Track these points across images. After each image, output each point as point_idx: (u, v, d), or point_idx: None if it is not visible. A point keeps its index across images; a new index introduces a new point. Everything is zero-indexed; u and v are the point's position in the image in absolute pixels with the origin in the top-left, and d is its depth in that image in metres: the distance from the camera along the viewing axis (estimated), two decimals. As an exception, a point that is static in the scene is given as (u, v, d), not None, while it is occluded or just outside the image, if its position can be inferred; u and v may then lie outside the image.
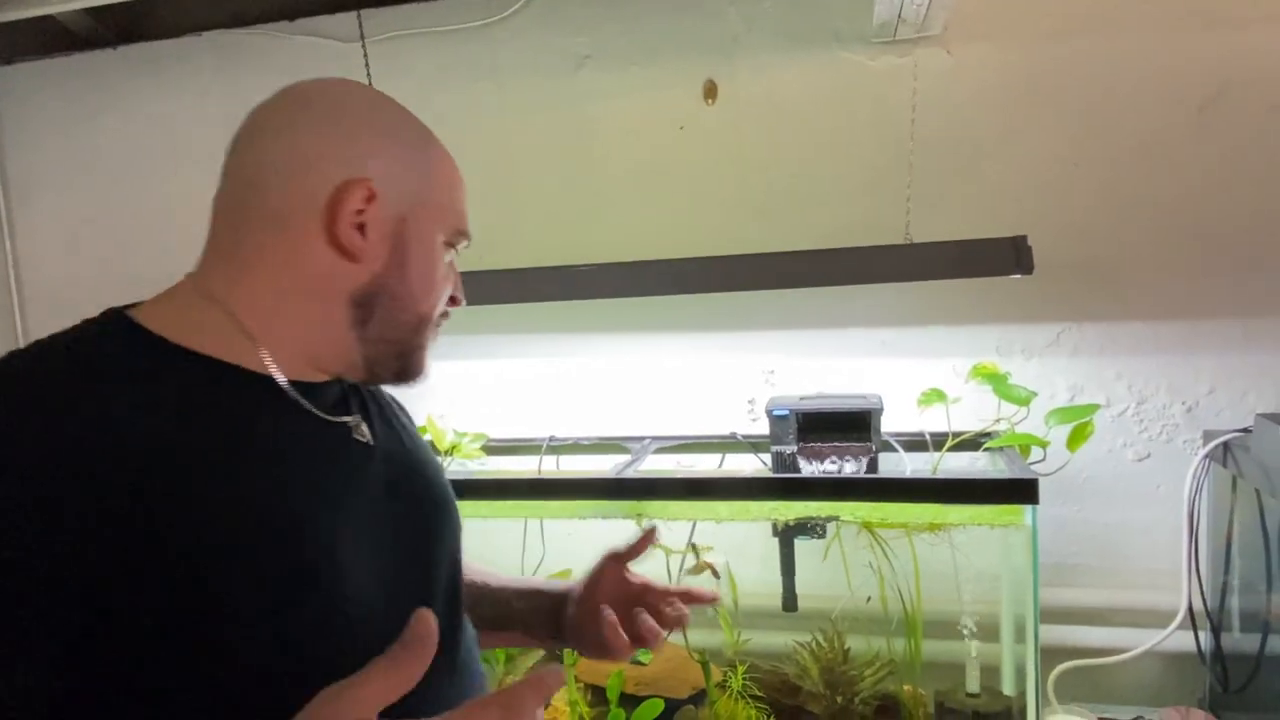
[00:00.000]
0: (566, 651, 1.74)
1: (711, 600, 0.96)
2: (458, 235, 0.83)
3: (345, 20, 1.95)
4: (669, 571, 1.75)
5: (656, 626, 0.90)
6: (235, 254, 0.74)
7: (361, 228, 0.74)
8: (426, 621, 0.57)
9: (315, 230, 0.73)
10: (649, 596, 0.96)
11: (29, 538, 0.57)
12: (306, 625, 0.67)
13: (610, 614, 0.89)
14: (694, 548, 1.73)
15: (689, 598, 0.96)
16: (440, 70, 1.98)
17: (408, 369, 0.82)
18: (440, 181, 0.81)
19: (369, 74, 1.85)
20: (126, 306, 0.74)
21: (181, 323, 0.71)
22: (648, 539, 0.98)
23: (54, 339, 0.69)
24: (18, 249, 2.31)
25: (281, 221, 0.73)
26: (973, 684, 1.66)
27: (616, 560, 0.98)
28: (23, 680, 0.58)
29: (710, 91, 1.86)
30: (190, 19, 2.09)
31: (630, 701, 1.64)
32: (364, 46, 1.87)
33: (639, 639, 0.90)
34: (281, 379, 0.74)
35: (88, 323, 0.72)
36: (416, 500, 0.83)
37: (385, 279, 0.77)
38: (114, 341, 0.69)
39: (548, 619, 1.01)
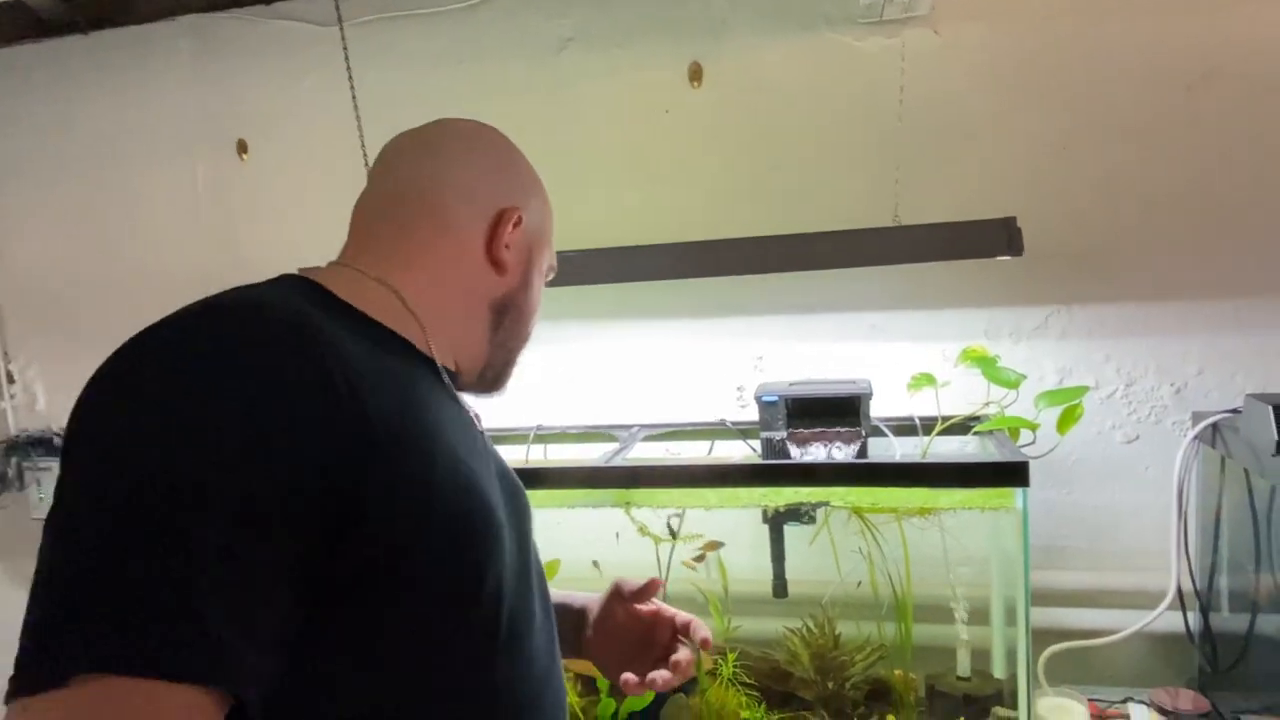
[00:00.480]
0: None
1: (704, 646, 1.03)
2: (551, 269, 0.99)
3: (323, 3, 1.91)
4: (658, 560, 1.75)
5: (669, 677, 0.98)
6: (400, 246, 0.85)
7: (508, 247, 0.88)
8: None
9: (477, 242, 0.87)
10: (659, 627, 1.05)
11: (303, 455, 0.62)
12: (493, 584, 0.76)
13: (630, 678, 0.99)
14: (671, 532, 1.72)
15: (689, 631, 1.03)
16: (420, 54, 1.95)
17: (503, 378, 0.96)
18: (549, 222, 0.98)
19: (347, 58, 1.81)
20: (296, 275, 0.81)
21: (361, 296, 0.79)
22: (653, 587, 1.05)
23: (255, 290, 0.74)
24: (-9, 238, 2.27)
25: (450, 227, 0.86)
26: (963, 668, 1.66)
27: (623, 600, 1.05)
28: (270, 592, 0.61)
29: (695, 74, 1.84)
30: (164, 3, 2.05)
31: (620, 690, 1.63)
32: (342, 30, 1.84)
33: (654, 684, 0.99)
34: (440, 365, 0.83)
35: (278, 280, 0.79)
36: (515, 490, 0.91)
37: (516, 294, 0.91)
38: (312, 299, 0.76)
39: (570, 634, 1.06)
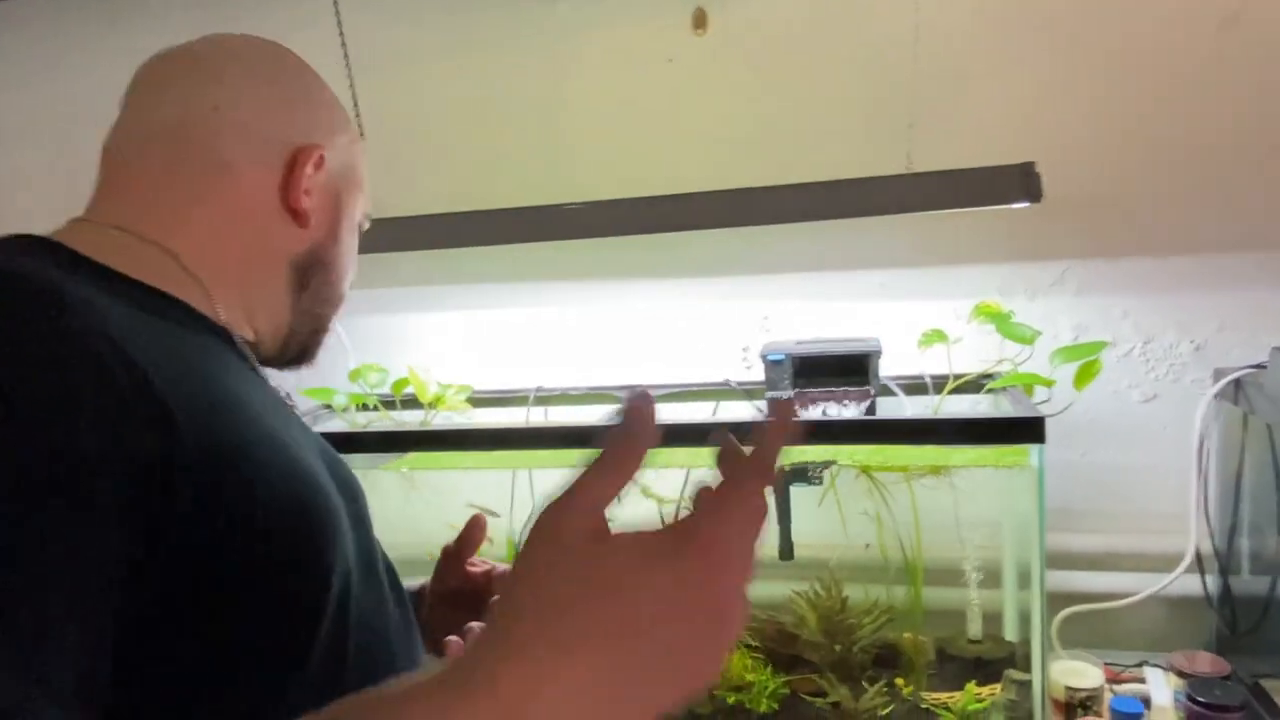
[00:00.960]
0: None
1: None
2: (366, 217, 0.85)
3: (313, -48, 1.85)
4: (662, 521, 1.71)
5: None
6: (167, 194, 0.71)
7: (308, 193, 0.75)
8: (640, 397, 0.49)
9: (269, 187, 0.73)
10: (495, 587, 0.94)
11: (61, 428, 0.49)
12: (338, 591, 0.65)
13: (453, 642, 0.87)
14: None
15: None
16: (411, 5, 1.88)
17: (311, 348, 0.83)
18: (361, 162, 0.83)
19: (337, 10, 1.76)
20: (32, 236, 0.65)
21: (119, 256, 0.65)
22: (477, 529, 0.95)
23: None
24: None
25: (231, 170, 0.72)
26: (975, 631, 1.63)
27: (452, 558, 0.95)
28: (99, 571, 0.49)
29: (700, 21, 1.78)
30: (151, -46, 1.99)
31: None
32: (333, -20, 1.78)
33: None
34: (236, 333, 0.72)
35: (6, 242, 0.63)
36: (347, 479, 0.77)
37: (323, 249, 0.78)
38: (53, 261, 0.62)
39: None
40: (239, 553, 0.57)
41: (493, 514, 1.74)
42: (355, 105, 1.71)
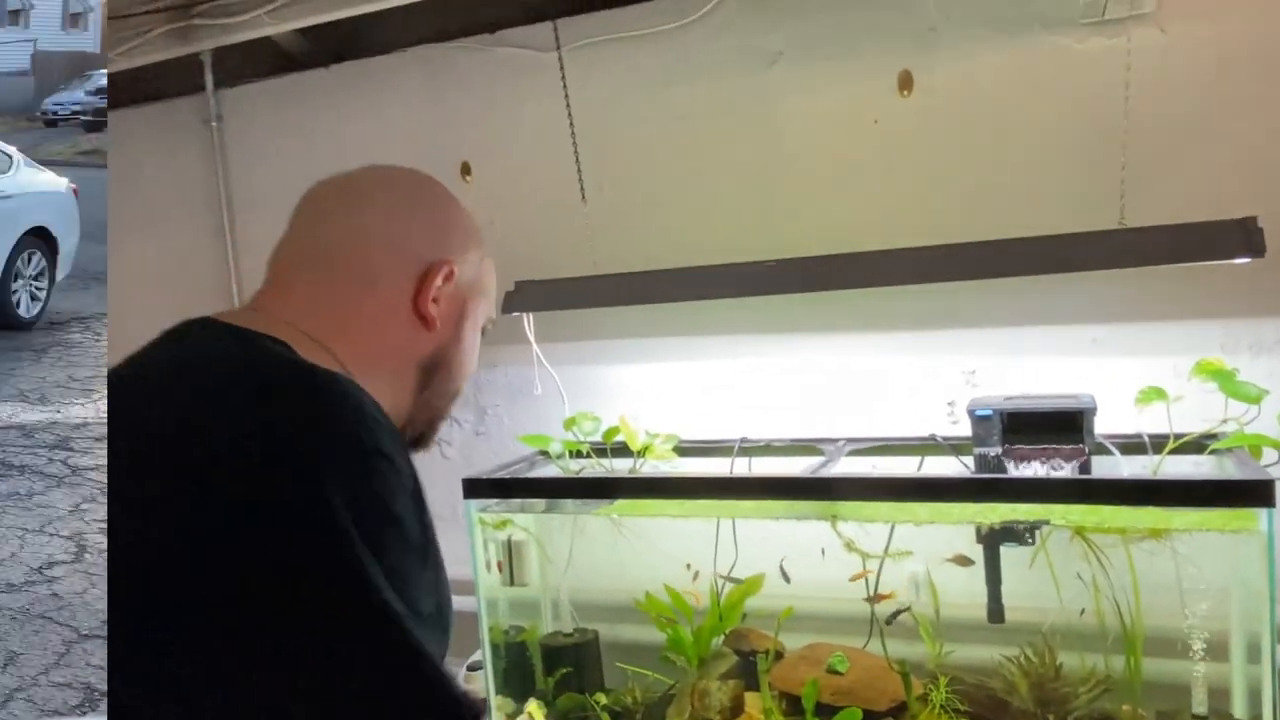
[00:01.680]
0: (760, 656, 1.73)
1: None
2: (490, 321, 0.96)
3: (542, 30, 2.01)
4: (865, 577, 1.71)
5: None
6: (329, 305, 0.83)
7: (436, 301, 0.85)
8: None
9: (404, 297, 0.85)
10: None
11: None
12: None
13: None
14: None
15: None
16: (633, 73, 2.00)
17: (428, 435, 0.93)
18: (490, 274, 0.95)
19: (564, 81, 1.90)
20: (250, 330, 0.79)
21: (319, 362, 0.78)
22: None
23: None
24: (240, 265, 2.49)
25: (377, 283, 0.84)
26: (1200, 705, 1.54)
27: None
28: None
29: (905, 83, 1.82)
30: (397, 37, 2.20)
31: (826, 711, 1.61)
32: (559, 55, 1.92)
33: None
34: None
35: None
36: None
37: (446, 351, 0.88)
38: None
39: None
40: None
41: (735, 581, 1.79)
42: (579, 170, 1.84)
